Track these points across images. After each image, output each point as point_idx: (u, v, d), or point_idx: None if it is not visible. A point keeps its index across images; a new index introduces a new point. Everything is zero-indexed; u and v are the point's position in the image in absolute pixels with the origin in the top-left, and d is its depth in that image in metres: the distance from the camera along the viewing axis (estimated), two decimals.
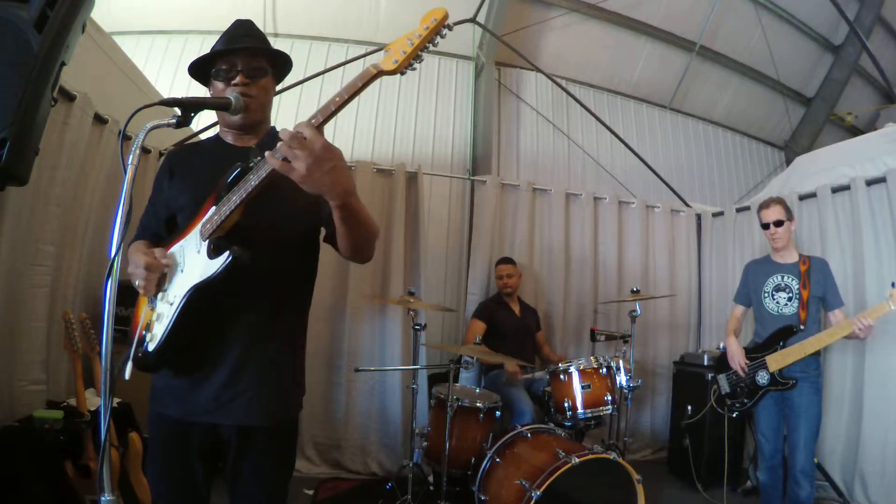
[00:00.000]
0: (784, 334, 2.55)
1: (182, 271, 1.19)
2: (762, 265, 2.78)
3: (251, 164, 1.09)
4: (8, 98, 1.43)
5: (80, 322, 2.11)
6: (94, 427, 2.00)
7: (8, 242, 2.07)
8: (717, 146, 6.59)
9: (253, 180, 1.06)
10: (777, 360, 2.52)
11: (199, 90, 1.35)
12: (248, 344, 1.22)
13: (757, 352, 2.63)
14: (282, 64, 1.39)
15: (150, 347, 1.19)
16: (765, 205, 2.72)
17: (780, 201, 2.70)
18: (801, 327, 2.51)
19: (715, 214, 4.45)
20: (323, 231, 1.34)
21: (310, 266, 1.38)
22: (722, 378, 2.78)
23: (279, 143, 0.95)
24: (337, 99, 0.98)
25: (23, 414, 2.08)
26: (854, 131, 6.53)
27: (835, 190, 3.31)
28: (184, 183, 1.30)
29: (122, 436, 2.13)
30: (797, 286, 2.57)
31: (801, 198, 3.51)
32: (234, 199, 1.09)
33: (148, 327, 1.21)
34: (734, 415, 2.70)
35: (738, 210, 4.12)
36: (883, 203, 3.04)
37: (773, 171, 6.69)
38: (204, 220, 1.17)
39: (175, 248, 1.23)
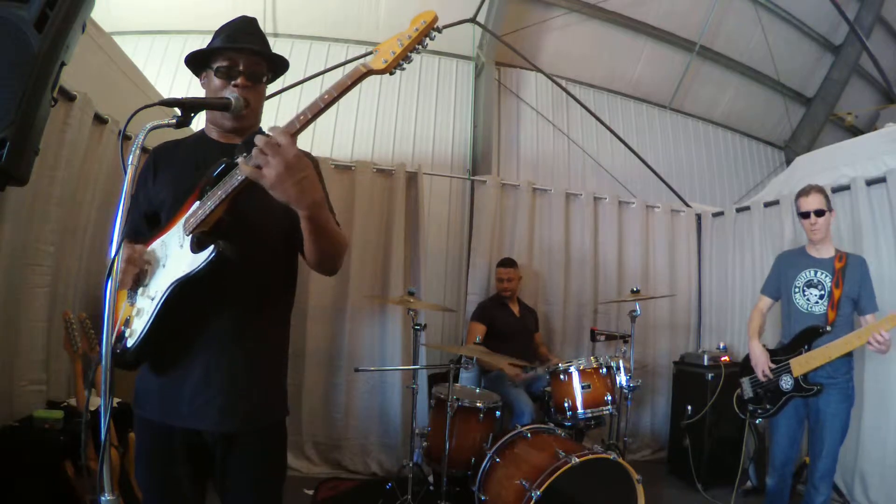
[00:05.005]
0: (809, 336, 2.36)
1: (164, 266, 1.17)
2: (795, 257, 2.57)
3: (236, 161, 1.08)
4: (8, 98, 1.43)
5: (80, 322, 2.10)
6: (95, 427, 2.00)
7: (8, 242, 2.06)
8: (717, 146, 6.59)
9: (240, 175, 1.05)
10: (801, 364, 2.34)
11: (199, 89, 1.35)
12: (224, 343, 1.20)
13: (781, 354, 2.46)
14: (279, 69, 1.38)
15: (129, 343, 1.17)
16: (804, 192, 2.45)
17: (820, 190, 2.44)
18: (829, 328, 2.31)
19: (715, 214, 4.45)
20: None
21: (290, 266, 1.36)
22: (745, 381, 2.61)
23: (253, 149, 0.96)
24: (326, 97, 1.00)
25: (23, 414, 2.07)
26: (854, 131, 6.52)
27: (835, 190, 3.30)
28: (166, 178, 1.28)
29: (122, 436, 2.12)
30: (830, 284, 2.37)
31: None
32: (220, 193, 1.08)
33: (127, 323, 1.19)
34: (758, 421, 2.55)
35: (738, 210, 4.13)
36: (883, 203, 3.04)
37: (773, 171, 6.69)
38: (187, 214, 1.15)
39: (156, 244, 1.21)
